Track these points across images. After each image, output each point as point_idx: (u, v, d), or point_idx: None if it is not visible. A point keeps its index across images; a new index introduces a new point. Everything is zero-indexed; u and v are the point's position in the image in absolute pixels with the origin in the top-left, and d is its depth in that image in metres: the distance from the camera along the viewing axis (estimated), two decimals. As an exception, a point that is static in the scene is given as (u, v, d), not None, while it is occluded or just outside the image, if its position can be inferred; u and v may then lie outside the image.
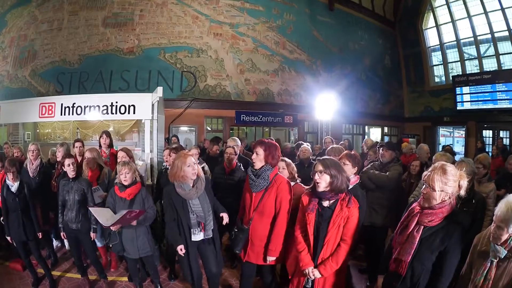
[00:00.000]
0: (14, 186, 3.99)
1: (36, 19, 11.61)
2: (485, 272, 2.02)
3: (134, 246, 3.69)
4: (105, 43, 11.17)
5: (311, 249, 2.72)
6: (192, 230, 3.28)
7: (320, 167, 2.66)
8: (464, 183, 2.27)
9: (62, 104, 6.29)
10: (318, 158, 2.83)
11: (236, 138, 5.22)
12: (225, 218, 3.44)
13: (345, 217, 2.59)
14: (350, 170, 3.29)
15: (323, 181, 2.64)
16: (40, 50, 11.44)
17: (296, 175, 3.70)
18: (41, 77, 11.33)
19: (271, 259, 3.15)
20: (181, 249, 3.24)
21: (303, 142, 6.59)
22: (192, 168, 3.20)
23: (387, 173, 4.33)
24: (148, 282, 4.31)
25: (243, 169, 4.70)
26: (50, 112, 6.36)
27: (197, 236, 3.30)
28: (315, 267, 2.68)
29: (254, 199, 3.16)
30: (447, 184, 2.21)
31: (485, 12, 13.45)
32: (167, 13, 11.32)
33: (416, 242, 2.26)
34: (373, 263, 4.41)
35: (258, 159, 3.12)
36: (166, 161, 4.74)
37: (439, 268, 2.25)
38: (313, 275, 2.67)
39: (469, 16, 14.02)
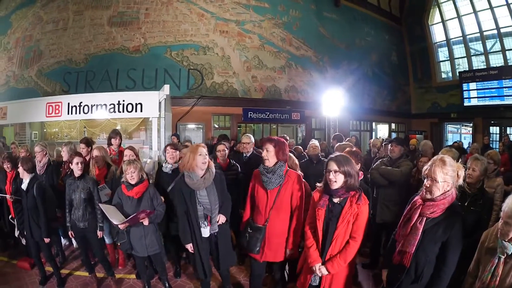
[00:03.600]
0: (24, 183, 4.00)
1: (41, 19, 11.68)
2: (493, 268, 2.05)
3: (143, 245, 3.69)
4: (111, 42, 11.19)
5: (319, 245, 2.70)
6: (200, 223, 3.29)
7: (334, 167, 2.61)
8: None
9: (69, 103, 6.33)
10: (330, 156, 2.78)
11: (250, 135, 5.23)
12: (221, 219, 3.38)
13: (355, 214, 2.57)
14: None
15: (338, 181, 2.60)
16: (46, 50, 11.49)
17: (298, 169, 3.73)
18: (47, 77, 11.39)
19: (291, 252, 3.21)
20: (190, 247, 3.34)
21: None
22: (203, 158, 3.21)
23: (400, 168, 4.29)
24: (156, 279, 4.31)
25: (237, 165, 4.82)
26: (57, 111, 6.40)
27: (205, 230, 3.30)
28: (323, 264, 2.65)
29: (270, 197, 3.15)
30: (448, 174, 2.28)
31: (491, 8, 13.35)
32: (173, 11, 11.32)
33: (420, 234, 2.33)
34: (378, 260, 4.46)
35: (270, 155, 3.13)
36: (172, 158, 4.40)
37: (442, 258, 2.29)
38: (320, 272, 2.65)
39: (475, 12, 13.92)
